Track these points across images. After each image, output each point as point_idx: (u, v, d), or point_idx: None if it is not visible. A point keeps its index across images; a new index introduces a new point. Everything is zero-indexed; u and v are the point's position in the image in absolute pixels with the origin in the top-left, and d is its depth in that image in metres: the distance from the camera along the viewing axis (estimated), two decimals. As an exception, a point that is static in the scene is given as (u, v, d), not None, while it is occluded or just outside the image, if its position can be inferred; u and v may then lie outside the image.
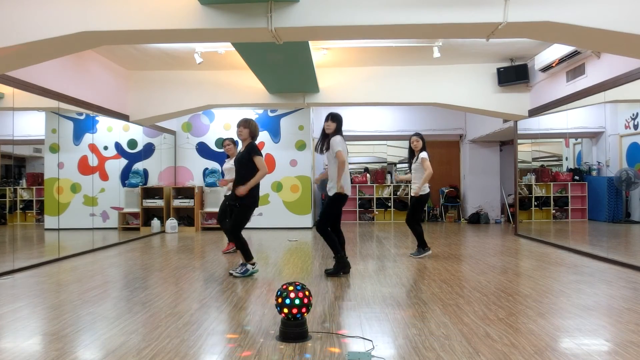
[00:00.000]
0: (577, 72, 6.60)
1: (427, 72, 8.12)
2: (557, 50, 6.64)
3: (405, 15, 3.98)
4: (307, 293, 2.99)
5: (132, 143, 9.16)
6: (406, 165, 13.00)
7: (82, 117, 7.77)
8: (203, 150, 10.44)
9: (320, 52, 7.12)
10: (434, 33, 4.61)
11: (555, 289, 4.31)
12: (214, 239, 8.40)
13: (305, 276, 5.02)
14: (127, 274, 5.34)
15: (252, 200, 5.01)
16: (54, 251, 6.35)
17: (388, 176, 12.09)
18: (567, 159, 8.48)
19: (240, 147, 5.32)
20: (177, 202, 9.92)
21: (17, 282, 4.87)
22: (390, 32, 4.24)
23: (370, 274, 5.11)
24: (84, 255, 6.60)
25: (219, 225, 6.83)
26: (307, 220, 10.23)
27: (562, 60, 6.66)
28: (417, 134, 6.26)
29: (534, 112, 7.82)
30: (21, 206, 7.07)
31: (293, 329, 2.96)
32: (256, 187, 5.02)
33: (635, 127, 6.28)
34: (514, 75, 7.86)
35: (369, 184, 11.83)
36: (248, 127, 5.07)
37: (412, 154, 6.32)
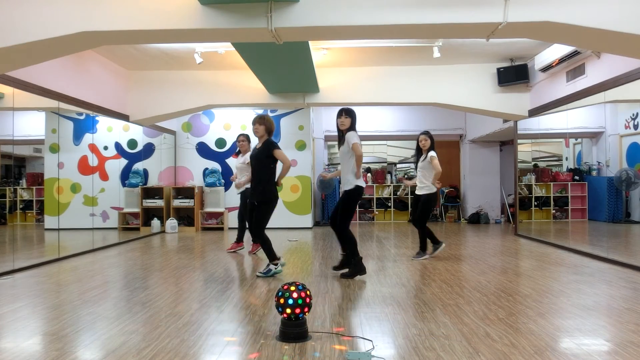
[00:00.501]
0: (577, 72, 6.60)
1: (427, 72, 8.12)
2: (557, 50, 6.64)
3: (405, 15, 3.97)
4: (308, 293, 2.99)
5: (132, 143, 9.16)
6: (405, 165, 13.01)
7: (82, 117, 7.77)
8: (203, 150, 10.44)
9: (320, 52, 7.12)
10: (434, 33, 4.61)
11: (555, 289, 4.31)
12: (214, 239, 8.40)
13: (305, 276, 5.01)
14: (127, 274, 5.34)
15: (271, 196, 4.99)
16: (54, 251, 6.35)
17: (388, 176, 12.09)
18: (567, 159, 8.48)
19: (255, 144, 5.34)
20: (177, 202, 9.92)
21: (17, 282, 4.87)
22: (390, 32, 4.24)
23: (370, 274, 5.11)
24: (84, 255, 6.60)
25: (241, 226, 6.81)
26: (307, 220, 10.23)
27: (562, 60, 6.66)
28: (426, 133, 6.19)
29: (534, 112, 7.82)
30: (21, 206, 7.07)
31: (293, 329, 2.96)
32: (271, 184, 4.99)
33: (635, 127, 6.28)
34: (514, 75, 7.86)
35: (369, 184, 11.83)
36: (264, 123, 5.07)
37: (419, 152, 6.25)
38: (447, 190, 11.78)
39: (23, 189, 7.06)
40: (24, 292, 4.38)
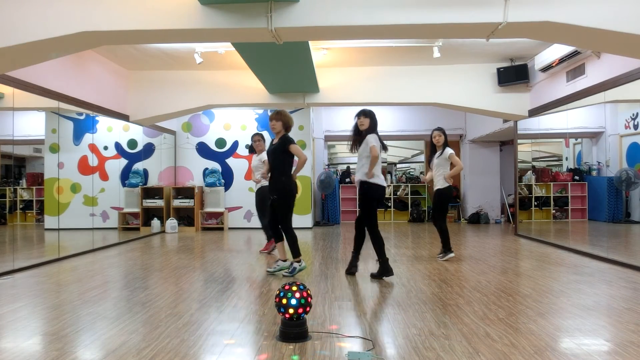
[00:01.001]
0: (577, 72, 6.60)
1: (427, 72, 8.12)
2: (557, 50, 6.64)
3: (405, 15, 3.97)
4: (308, 292, 2.99)
5: (132, 143, 9.16)
6: (405, 165, 13.01)
7: (82, 117, 7.77)
8: (203, 150, 10.44)
9: (320, 52, 7.12)
10: (434, 33, 4.62)
11: (555, 289, 4.31)
12: (214, 239, 8.40)
13: (305, 276, 5.01)
14: (127, 274, 5.34)
15: (289, 190, 5.03)
16: (54, 251, 6.35)
17: (388, 176, 12.09)
18: (567, 159, 8.49)
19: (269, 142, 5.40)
20: (177, 202, 9.92)
21: (17, 282, 4.87)
22: (390, 32, 4.24)
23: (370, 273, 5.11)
24: (84, 255, 6.60)
25: (261, 225, 6.77)
26: (307, 220, 10.23)
27: (562, 60, 6.66)
28: (440, 129, 6.13)
29: (534, 112, 7.82)
30: (21, 206, 7.07)
31: (293, 329, 2.96)
32: (290, 177, 5.03)
33: (635, 127, 6.28)
34: (514, 75, 7.86)
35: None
36: (281, 119, 5.09)
37: (433, 149, 6.20)
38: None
39: (23, 189, 7.06)
40: (24, 292, 4.38)
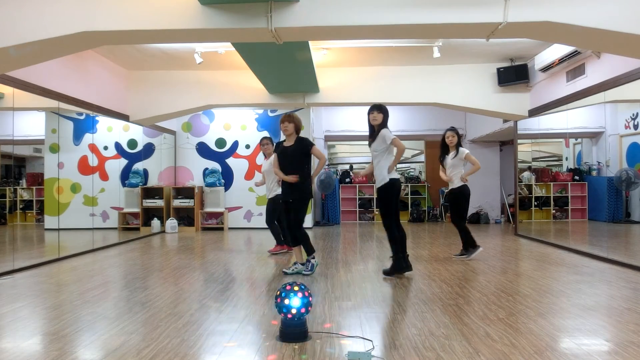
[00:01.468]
0: (577, 72, 6.60)
1: (427, 72, 8.12)
2: (557, 50, 6.64)
3: (405, 15, 3.98)
4: (309, 292, 2.99)
5: (132, 143, 9.16)
6: (405, 165, 13.02)
7: (82, 117, 7.77)
8: (203, 150, 10.44)
9: (320, 52, 7.12)
10: (434, 33, 4.62)
11: (555, 289, 4.31)
12: (214, 239, 8.40)
13: (305, 276, 5.01)
14: (127, 274, 5.34)
15: (309, 193, 5.14)
16: (54, 251, 6.35)
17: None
18: (567, 159, 8.49)
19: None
20: (177, 202, 9.93)
21: (17, 282, 4.87)
22: (390, 32, 4.24)
23: (370, 274, 5.11)
24: (84, 255, 6.60)
25: (273, 229, 6.64)
26: (308, 220, 10.21)
27: (562, 60, 6.66)
28: (453, 129, 6.10)
29: (534, 112, 7.82)
30: (21, 206, 7.07)
31: (293, 329, 2.96)
32: (309, 179, 5.12)
33: (635, 127, 6.28)
34: (514, 75, 7.86)
35: (369, 184, 11.82)
36: (293, 121, 5.16)
37: (445, 149, 6.14)
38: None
39: (23, 189, 7.06)
40: (24, 292, 4.38)
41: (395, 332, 3.12)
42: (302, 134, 5.48)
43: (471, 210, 11.39)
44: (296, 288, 2.96)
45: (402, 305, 3.78)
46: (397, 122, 11.67)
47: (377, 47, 7.16)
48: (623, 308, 3.66)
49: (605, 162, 7.02)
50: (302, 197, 5.09)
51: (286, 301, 2.93)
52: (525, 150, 8.98)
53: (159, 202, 9.61)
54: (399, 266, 4.91)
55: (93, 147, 7.85)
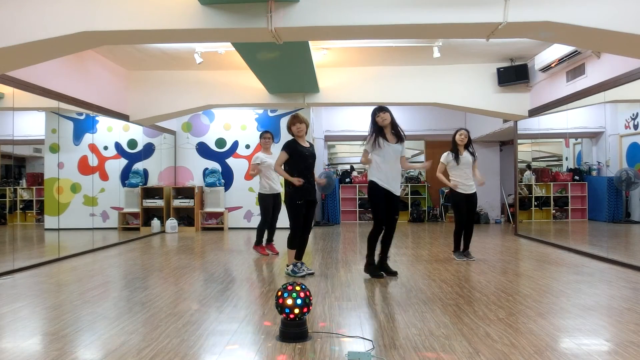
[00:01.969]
0: (577, 72, 6.60)
1: (427, 72, 8.11)
2: (557, 50, 6.64)
3: (405, 15, 3.97)
4: (309, 292, 3.00)
5: (132, 143, 9.16)
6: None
7: (82, 117, 7.78)
8: (203, 150, 10.43)
9: (320, 52, 7.12)
10: (434, 33, 4.62)
11: (555, 289, 4.31)
12: (214, 239, 8.40)
13: (305, 276, 5.01)
14: (127, 274, 5.34)
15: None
16: (54, 251, 6.35)
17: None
18: (567, 159, 8.49)
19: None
20: (177, 202, 9.92)
21: (17, 282, 4.87)
22: (390, 32, 4.24)
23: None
24: (84, 255, 6.60)
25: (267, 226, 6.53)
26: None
27: (562, 60, 6.66)
28: (465, 129, 6.01)
29: (534, 112, 7.82)
30: (21, 206, 7.08)
31: (293, 329, 2.96)
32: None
33: (635, 127, 6.28)
34: (514, 75, 7.85)
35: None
36: (305, 122, 5.18)
37: (456, 150, 5.94)
38: (447, 191, 11.77)
39: (23, 189, 7.07)
40: (24, 292, 4.38)
41: (395, 332, 3.12)
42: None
43: (471, 210, 11.42)
44: (298, 288, 2.96)
45: (402, 305, 3.78)
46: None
47: (377, 47, 7.16)
48: (623, 308, 3.66)
49: (605, 162, 7.03)
50: (315, 199, 5.21)
51: (287, 301, 2.93)
52: (525, 150, 8.98)
53: (159, 202, 9.61)
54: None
55: (93, 147, 7.85)
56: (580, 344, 2.86)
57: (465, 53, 7.50)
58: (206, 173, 10.28)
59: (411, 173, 12.01)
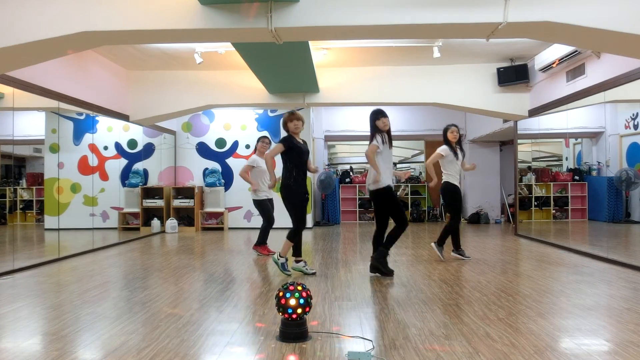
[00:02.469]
0: (577, 72, 6.60)
1: (427, 72, 8.11)
2: (557, 50, 6.64)
3: (405, 15, 3.97)
4: (309, 292, 3.00)
5: (132, 143, 9.16)
6: (405, 165, 13.01)
7: (82, 117, 7.77)
8: (203, 150, 10.43)
9: (320, 52, 7.12)
10: (434, 33, 4.61)
11: (555, 289, 4.31)
12: (214, 239, 8.40)
13: (305, 276, 5.01)
14: (127, 274, 5.34)
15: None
16: (54, 251, 6.35)
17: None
18: (567, 159, 8.49)
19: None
20: (177, 202, 9.92)
21: (17, 282, 4.87)
22: (390, 32, 4.24)
23: (370, 274, 5.11)
24: (84, 255, 6.60)
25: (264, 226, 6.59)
26: (308, 220, 10.21)
27: (562, 60, 6.66)
28: (457, 125, 6.05)
29: (534, 112, 7.82)
30: (21, 206, 7.08)
31: (293, 329, 2.96)
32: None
33: (635, 127, 6.28)
34: (514, 75, 7.86)
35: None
36: (301, 119, 5.30)
37: (451, 145, 5.96)
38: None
39: (23, 189, 7.07)
40: (24, 292, 4.38)
41: (395, 332, 3.12)
42: (303, 135, 5.52)
43: (471, 210, 11.42)
44: (300, 287, 2.96)
45: (402, 305, 3.78)
46: (397, 122, 11.66)
47: (377, 47, 7.16)
48: (623, 308, 3.66)
49: (605, 162, 7.02)
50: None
51: (289, 301, 2.92)
52: (525, 150, 8.98)
53: (159, 202, 9.61)
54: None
55: (93, 147, 7.85)
56: (580, 344, 2.86)
57: (465, 53, 7.50)
58: (206, 173, 10.29)
59: (411, 173, 11.99)
